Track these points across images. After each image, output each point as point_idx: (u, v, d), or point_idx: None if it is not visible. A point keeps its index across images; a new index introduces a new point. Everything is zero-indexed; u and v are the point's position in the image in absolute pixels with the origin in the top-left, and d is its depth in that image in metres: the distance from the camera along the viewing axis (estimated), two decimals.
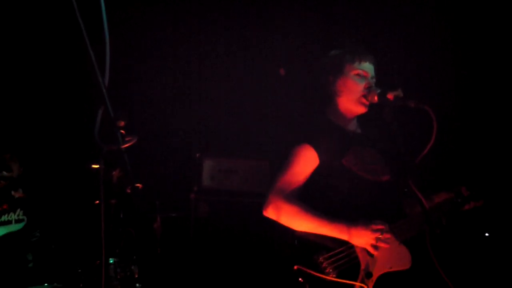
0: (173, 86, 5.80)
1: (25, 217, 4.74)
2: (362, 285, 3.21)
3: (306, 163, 3.40)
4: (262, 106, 5.68)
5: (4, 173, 4.09)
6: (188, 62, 5.87)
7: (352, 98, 3.49)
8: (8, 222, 4.66)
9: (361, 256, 3.28)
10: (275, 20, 5.72)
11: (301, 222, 3.30)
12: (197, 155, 5.41)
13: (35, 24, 5.07)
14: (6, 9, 4.83)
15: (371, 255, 3.28)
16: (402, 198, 3.46)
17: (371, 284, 3.22)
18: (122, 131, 2.19)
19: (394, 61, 5.01)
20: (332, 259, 3.23)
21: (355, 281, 3.21)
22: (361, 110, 3.51)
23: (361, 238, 3.24)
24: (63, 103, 5.36)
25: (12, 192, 4.00)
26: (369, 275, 3.23)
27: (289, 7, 5.67)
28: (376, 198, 3.43)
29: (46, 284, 4.09)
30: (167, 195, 5.10)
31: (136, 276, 4.02)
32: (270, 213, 3.36)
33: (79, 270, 3.93)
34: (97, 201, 2.19)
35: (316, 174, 3.41)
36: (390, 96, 3.26)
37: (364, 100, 3.45)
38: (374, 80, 3.54)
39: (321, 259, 3.21)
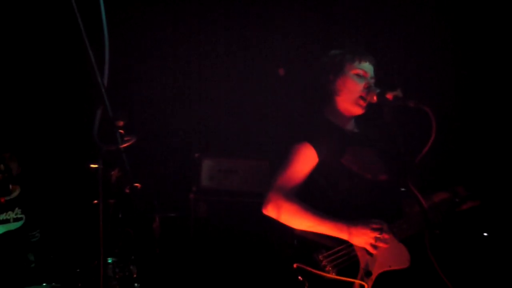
0: (173, 86, 5.79)
1: (23, 216, 4.73)
2: (362, 282, 3.22)
3: (305, 161, 3.41)
4: (262, 106, 5.68)
5: (2, 166, 4.08)
6: (188, 62, 5.86)
7: (350, 97, 3.52)
8: (6, 221, 4.65)
9: (360, 254, 3.29)
10: (275, 20, 5.71)
11: (301, 221, 3.31)
12: (196, 155, 5.41)
13: (34, 24, 5.07)
14: (5, 9, 4.83)
15: (370, 254, 3.29)
16: (401, 198, 3.47)
17: (370, 283, 3.24)
18: (121, 131, 2.19)
19: (394, 61, 5.00)
20: (332, 258, 3.24)
21: (355, 279, 3.22)
22: (358, 111, 3.54)
23: (361, 238, 3.25)
24: (62, 103, 5.36)
25: (11, 186, 3.99)
26: (368, 273, 3.25)
27: (289, 7, 5.67)
28: (375, 197, 3.45)
29: (44, 284, 4.08)
30: (166, 195, 5.09)
31: (135, 276, 4.00)
32: (270, 211, 3.36)
33: (78, 270, 3.93)
34: (96, 201, 2.18)
35: (315, 172, 3.42)
36: (389, 96, 3.28)
37: (361, 102, 3.49)
38: (373, 80, 3.57)
39: (320, 257, 3.22)
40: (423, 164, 3.06)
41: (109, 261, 3.90)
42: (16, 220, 4.70)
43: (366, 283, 3.23)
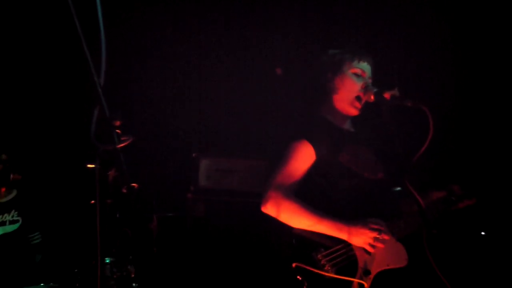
0: (173, 86, 5.79)
1: (20, 218, 4.73)
2: (361, 281, 3.22)
3: (303, 158, 3.42)
4: (261, 106, 5.67)
5: (3, 156, 4.06)
6: (188, 62, 5.86)
7: (347, 96, 3.54)
8: (3, 223, 4.65)
9: (358, 254, 3.29)
10: (275, 20, 5.71)
11: (300, 219, 3.31)
12: (194, 154, 5.41)
13: (31, 24, 5.07)
14: (2, 8, 4.83)
15: (369, 253, 3.29)
16: (398, 197, 3.48)
17: (369, 282, 3.24)
18: (118, 130, 2.19)
19: (394, 61, 5.01)
20: (330, 257, 3.24)
21: (353, 278, 3.22)
22: (353, 112, 3.57)
23: (360, 237, 3.26)
24: (58, 103, 5.36)
25: (11, 176, 3.97)
26: (367, 272, 3.25)
27: (289, 7, 5.66)
28: (372, 196, 3.46)
29: (42, 284, 4.08)
30: (164, 194, 5.09)
31: (133, 276, 4.00)
32: (269, 209, 3.35)
33: (75, 270, 3.92)
34: (93, 201, 2.18)
35: (313, 171, 3.42)
36: (386, 95, 3.29)
37: (357, 104, 3.52)
38: (370, 80, 3.59)
39: (319, 256, 3.23)
40: (421, 163, 3.06)
41: (107, 261, 3.90)
42: (12, 222, 4.70)
43: (365, 282, 3.23)
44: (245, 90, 5.75)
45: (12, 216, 4.70)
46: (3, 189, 4.48)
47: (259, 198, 3.40)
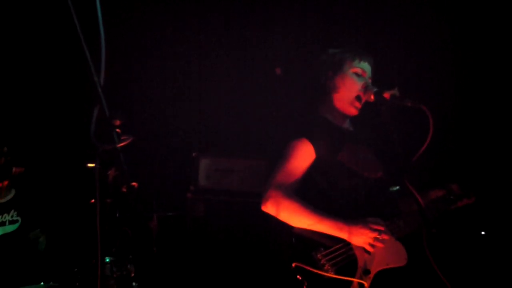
0: (173, 86, 5.79)
1: (19, 218, 4.73)
2: (360, 281, 3.22)
3: (303, 157, 3.42)
4: (261, 106, 5.67)
5: (4, 148, 4.04)
6: (188, 62, 5.86)
7: (348, 96, 3.54)
8: (2, 224, 4.65)
9: (358, 253, 3.29)
10: (275, 20, 5.71)
11: (300, 218, 3.30)
12: (194, 154, 5.41)
13: (31, 23, 5.06)
14: (1, 6, 4.84)
15: (368, 252, 3.29)
16: (397, 196, 3.48)
17: (368, 281, 3.24)
18: (117, 130, 2.19)
19: (394, 61, 5.01)
20: (330, 256, 3.24)
21: (353, 278, 3.22)
22: (353, 112, 3.57)
23: (360, 237, 3.26)
24: (58, 102, 5.35)
25: (14, 169, 3.96)
26: (367, 272, 3.25)
27: (289, 7, 5.66)
28: (371, 195, 3.46)
29: (42, 283, 4.08)
30: (164, 194, 5.10)
31: (133, 275, 4.00)
32: (269, 208, 3.35)
33: (75, 269, 3.92)
34: (93, 200, 2.18)
35: (312, 169, 3.42)
36: (386, 95, 3.30)
37: (357, 104, 3.53)
38: (370, 81, 3.60)
39: (319, 256, 3.22)
40: (420, 163, 3.06)
41: (107, 260, 3.90)
42: (12, 222, 4.69)
43: (365, 281, 3.23)
44: (245, 90, 5.75)
45: (12, 216, 4.69)
46: (6, 183, 4.45)
47: (259, 198, 3.39)
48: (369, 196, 3.47)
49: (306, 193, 3.40)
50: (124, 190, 2.35)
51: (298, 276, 3.20)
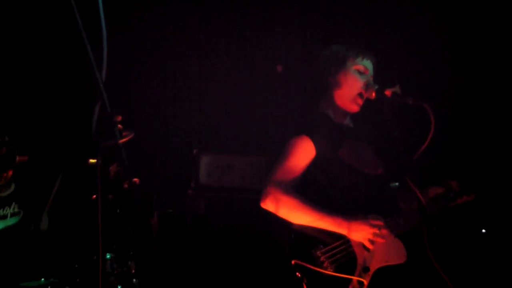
0: (173, 85, 5.79)
1: (21, 210, 4.72)
2: (360, 279, 3.22)
3: (303, 154, 3.42)
4: (261, 105, 5.68)
5: (6, 137, 4.01)
6: (188, 62, 5.86)
7: (350, 93, 3.54)
8: (4, 217, 4.64)
9: (357, 250, 3.29)
10: (275, 20, 5.72)
11: (300, 215, 3.30)
12: (194, 151, 5.42)
13: (33, 20, 5.06)
14: (2, 3, 4.84)
15: (368, 249, 3.29)
16: (396, 192, 3.49)
17: (368, 278, 3.24)
18: (119, 126, 2.19)
19: (394, 61, 5.01)
20: (330, 253, 3.24)
21: (352, 275, 3.22)
22: (354, 109, 3.57)
23: (359, 233, 3.26)
24: (60, 98, 5.35)
25: (18, 158, 3.94)
26: (366, 269, 3.25)
27: (289, 7, 5.67)
28: (371, 192, 3.46)
29: (42, 279, 4.07)
30: (164, 191, 5.10)
31: (133, 271, 4.00)
32: (268, 205, 3.35)
33: (76, 265, 3.92)
34: (94, 196, 2.18)
35: (313, 167, 3.42)
36: (387, 92, 3.30)
37: (359, 100, 3.53)
38: (372, 79, 3.60)
39: (318, 253, 3.22)
40: (421, 161, 3.07)
41: (107, 256, 3.90)
42: (13, 215, 4.69)
43: (364, 279, 3.23)
44: (245, 89, 5.76)
45: (13, 209, 4.69)
46: (10, 172, 4.43)
47: (260, 195, 3.40)
48: (369, 193, 3.48)
49: (306, 190, 3.40)
50: (126, 186, 2.34)
51: (297, 274, 3.20)
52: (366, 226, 3.26)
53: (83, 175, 3.81)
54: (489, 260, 4.56)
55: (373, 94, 3.41)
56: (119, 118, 2.20)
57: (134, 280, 4.00)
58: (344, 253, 3.28)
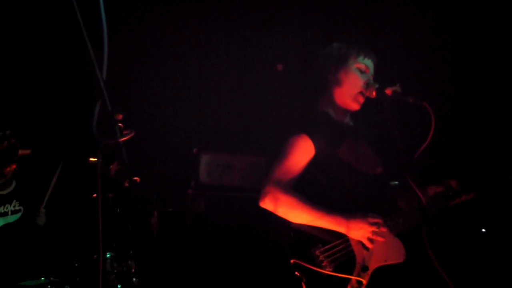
0: (173, 85, 5.80)
1: (21, 208, 4.73)
2: (359, 278, 3.21)
3: (302, 153, 3.40)
4: (262, 105, 5.68)
5: (7, 132, 3.99)
6: (188, 62, 5.87)
7: (350, 91, 3.53)
8: (5, 214, 4.64)
9: (356, 249, 3.28)
10: (275, 20, 5.72)
11: (298, 214, 3.29)
12: (195, 150, 5.42)
13: (34, 18, 5.07)
14: (3, 2, 4.84)
15: (367, 249, 3.29)
16: (396, 192, 3.48)
17: (367, 278, 3.24)
18: (120, 124, 2.19)
19: (394, 61, 5.01)
20: (328, 253, 3.23)
21: (351, 274, 3.22)
22: (355, 107, 3.56)
23: (358, 231, 3.26)
24: (61, 96, 5.35)
25: (20, 151, 3.92)
26: (365, 268, 3.24)
27: (289, 7, 5.67)
28: (370, 190, 3.46)
29: (42, 279, 4.08)
30: (165, 190, 5.10)
31: (133, 270, 4.01)
32: (267, 204, 3.33)
33: (76, 264, 3.92)
34: (95, 195, 2.18)
35: (312, 165, 3.41)
36: (388, 91, 3.29)
37: (360, 98, 3.50)
38: (372, 78, 3.59)
39: (317, 252, 3.21)
40: (421, 161, 3.06)
41: (108, 255, 3.91)
42: (14, 212, 4.69)
43: (363, 278, 3.23)
44: (245, 89, 5.76)
45: (14, 206, 4.69)
46: (13, 166, 4.42)
47: (259, 194, 3.39)
48: (368, 192, 3.47)
49: (306, 189, 3.39)
50: (126, 184, 2.34)
51: (296, 273, 3.20)
52: (365, 224, 3.26)
53: (83, 173, 3.81)
54: (489, 260, 4.57)
55: (374, 93, 3.40)
56: (120, 117, 2.19)
57: (134, 279, 4.00)
58: (343, 252, 3.27)
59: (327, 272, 3.19)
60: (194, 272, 5.12)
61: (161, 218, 4.53)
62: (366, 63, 3.59)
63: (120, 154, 2.21)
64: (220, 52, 5.89)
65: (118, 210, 3.96)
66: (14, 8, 4.94)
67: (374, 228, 3.26)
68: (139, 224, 4.33)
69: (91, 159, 2.21)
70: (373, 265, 3.28)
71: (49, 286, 3.94)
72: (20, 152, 3.96)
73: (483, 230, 4.58)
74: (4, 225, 4.59)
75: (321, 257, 3.22)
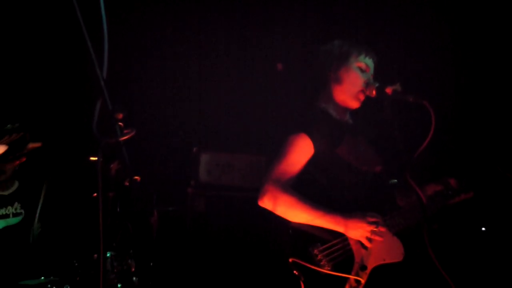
0: (174, 84, 5.80)
1: (23, 211, 4.73)
2: (357, 278, 3.21)
3: (302, 152, 3.39)
4: (261, 105, 5.68)
5: (16, 124, 3.96)
6: (188, 62, 5.87)
7: (350, 90, 3.52)
8: (6, 216, 4.64)
9: (355, 248, 3.28)
10: (275, 20, 5.72)
11: (297, 213, 3.29)
12: (194, 149, 5.42)
13: (36, 18, 5.07)
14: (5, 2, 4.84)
15: (365, 248, 3.29)
16: (395, 190, 3.48)
17: (365, 277, 3.23)
18: (120, 123, 2.19)
19: (394, 61, 5.01)
20: (327, 252, 3.23)
21: (350, 274, 3.22)
22: (355, 105, 3.55)
23: (357, 231, 3.25)
24: (61, 96, 5.35)
25: (30, 144, 3.90)
26: (363, 267, 3.24)
27: (289, 7, 5.67)
28: (369, 189, 3.46)
29: (42, 278, 4.07)
30: (164, 189, 5.10)
31: (133, 270, 4.01)
32: (266, 203, 3.32)
33: (76, 264, 3.92)
34: (95, 194, 2.18)
35: (311, 164, 3.40)
36: (388, 90, 3.29)
37: (361, 96, 3.49)
38: (372, 78, 3.58)
39: (316, 251, 3.21)
40: (421, 160, 3.06)
41: (108, 255, 3.90)
42: (15, 215, 4.69)
43: (361, 277, 3.22)
44: (245, 89, 5.76)
45: (16, 209, 4.69)
46: (23, 159, 4.39)
47: (258, 193, 3.38)
48: (368, 191, 3.47)
49: (305, 189, 3.38)
50: (127, 184, 2.34)
51: (295, 271, 3.19)
52: (363, 223, 3.25)
53: (83, 172, 3.81)
54: (489, 259, 4.57)
55: (374, 92, 3.40)
56: (120, 116, 2.19)
57: (134, 278, 4.00)
58: (341, 251, 3.27)
59: (325, 271, 3.19)
60: (194, 271, 5.12)
61: (161, 217, 4.53)
62: (367, 62, 3.58)
63: (120, 153, 2.21)
64: (220, 52, 5.89)
65: (118, 209, 3.96)
66: (16, 8, 4.94)
67: (373, 228, 3.26)
68: (139, 223, 4.33)
69: (92, 158, 2.20)
70: (371, 264, 3.28)
71: (49, 285, 3.93)
72: (31, 145, 3.92)
73: (483, 229, 4.58)
74: (5, 228, 4.58)
75: (319, 256, 3.22)
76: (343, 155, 3.44)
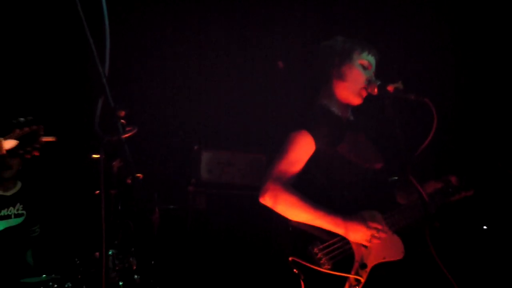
0: (174, 84, 5.80)
1: (24, 212, 4.73)
2: (357, 276, 3.20)
3: (303, 149, 3.36)
4: (262, 104, 5.69)
5: (30, 117, 3.93)
6: (188, 62, 5.87)
7: (352, 87, 3.49)
8: (8, 217, 4.64)
9: (355, 247, 3.27)
10: (275, 20, 5.72)
11: (298, 212, 3.26)
12: (195, 147, 5.43)
13: (37, 16, 5.07)
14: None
15: (365, 246, 3.27)
16: (395, 188, 3.47)
17: (365, 275, 3.22)
18: (122, 121, 2.19)
19: (394, 61, 5.01)
20: (327, 250, 3.22)
21: (349, 273, 3.20)
22: (358, 101, 3.52)
23: (357, 234, 3.23)
24: (62, 94, 5.35)
25: (44, 138, 3.89)
26: (363, 266, 3.23)
27: (289, 7, 5.68)
28: (370, 187, 3.44)
29: (44, 276, 4.08)
30: (166, 187, 5.10)
31: (134, 268, 4.01)
32: (267, 200, 3.29)
33: (77, 262, 3.92)
34: (97, 192, 2.18)
35: (312, 162, 3.38)
36: (390, 88, 3.27)
37: (363, 92, 3.46)
38: (374, 75, 3.57)
39: (315, 250, 3.20)
40: (423, 158, 3.06)
41: (109, 253, 3.90)
42: (17, 216, 4.69)
43: (361, 276, 3.21)
44: (245, 89, 5.77)
45: (17, 210, 4.69)
46: (36, 153, 4.37)
47: (259, 191, 3.37)
48: (368, 189, 3.44)
49: (305, 188, 3.36)
50: (129, 181, 2.34)
51: (294, 270, 3.19)
52: (363, 228, 3.23)
53: (86, 170, 3.80)
54: (490, 256, 4.57)
55: (376, 90, 3.38)
56: (122, 113, 2.19)
57: (136, 276, 4.01)
58: (341, 250, 3.25)
59: (325, 270, 3.18)
60: (195, 269, 5.12)
61: (162, 215, 4.53)
62: (369, 59, 3.55)
63: (122, 151, 2.21)
64: (220, 52, 5.89)
65: (120, 207, 3.96)
66: (19, 7, 4.95)
67: (373, 232, 3.24)
68: (140, 221, 4.33)
69: (94, 155, 2.20)
70: (371, 262, 3.26)
71: (50, 283, 3.94)
72: (44, 138, 3.91)
73: (485, 227, 4.58)
74: (6, 229, 4.58)
75: (319, 255, 3.21)
76: (344, 152, 3.42)
